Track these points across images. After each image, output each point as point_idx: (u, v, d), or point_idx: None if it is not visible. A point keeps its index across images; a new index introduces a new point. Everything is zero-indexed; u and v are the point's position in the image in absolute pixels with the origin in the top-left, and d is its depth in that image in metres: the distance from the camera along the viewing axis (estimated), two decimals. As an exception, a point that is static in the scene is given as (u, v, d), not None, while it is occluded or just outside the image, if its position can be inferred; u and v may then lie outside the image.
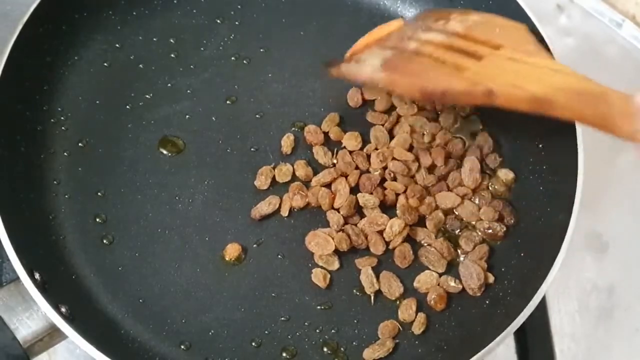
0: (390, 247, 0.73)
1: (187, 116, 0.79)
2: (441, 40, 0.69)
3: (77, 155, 0.76)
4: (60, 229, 0.72)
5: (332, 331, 0.70)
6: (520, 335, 0.77)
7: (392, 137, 0.78)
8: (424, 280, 0.72)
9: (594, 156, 0.71)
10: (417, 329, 0.70)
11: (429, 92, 0.65)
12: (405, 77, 0.67)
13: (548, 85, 0.60)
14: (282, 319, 0.71)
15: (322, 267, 0.73)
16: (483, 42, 0.67)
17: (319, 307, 0.71)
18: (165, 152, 0.77)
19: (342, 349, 0.70)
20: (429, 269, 0.73)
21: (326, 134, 0.79)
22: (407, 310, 0.71)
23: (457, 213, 0.76)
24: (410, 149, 0.77)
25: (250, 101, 0.81)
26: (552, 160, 0.75)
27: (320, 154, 0.77)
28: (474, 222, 0.75)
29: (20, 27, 0.72)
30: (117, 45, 0.82)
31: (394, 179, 0.76)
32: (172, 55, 0.82)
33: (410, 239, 0.74)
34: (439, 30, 0.70)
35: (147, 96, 0.80)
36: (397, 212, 0.74)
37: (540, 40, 0.74)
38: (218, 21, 0.85)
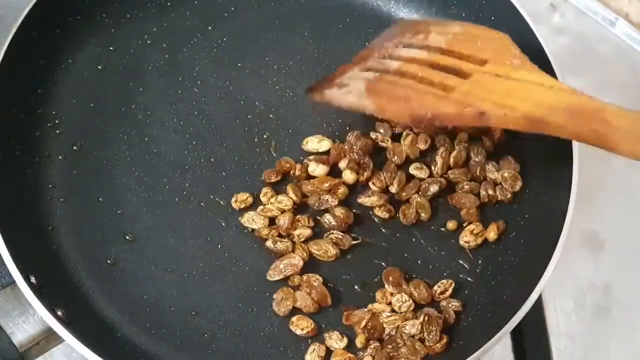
0: None
1: (182, 118, 0.79)
2: (424, 57, 0.67)
3: (72, 159, 0.76)
4: (55, 233, 0.72)
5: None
6: (517, 335, 0.77)
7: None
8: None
9: (589, 155, 0.71)
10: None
11: (419, 117, 0.64)
12: (392, 103, 0.65)
13: (539, 104, 0.58)
14: (277, 321, 0.71)
15: None
16: (467, 57, 0.65)
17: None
18: (161, 154, 0.77)
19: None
20: None
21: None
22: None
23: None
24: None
25: (245, 103, 0.81)
26: (547, 159, 0.75)
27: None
28: None
29: (14, 30, 0.72)
30: (111, 48, 0.82)
31: None
32: (166, 58, 0.82)
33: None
34: (421, 46, 0.68)
35: (141, 98, 0.80)
36: None
37: (532, 40, 0.75)
38: (211, 23, 0.85)
